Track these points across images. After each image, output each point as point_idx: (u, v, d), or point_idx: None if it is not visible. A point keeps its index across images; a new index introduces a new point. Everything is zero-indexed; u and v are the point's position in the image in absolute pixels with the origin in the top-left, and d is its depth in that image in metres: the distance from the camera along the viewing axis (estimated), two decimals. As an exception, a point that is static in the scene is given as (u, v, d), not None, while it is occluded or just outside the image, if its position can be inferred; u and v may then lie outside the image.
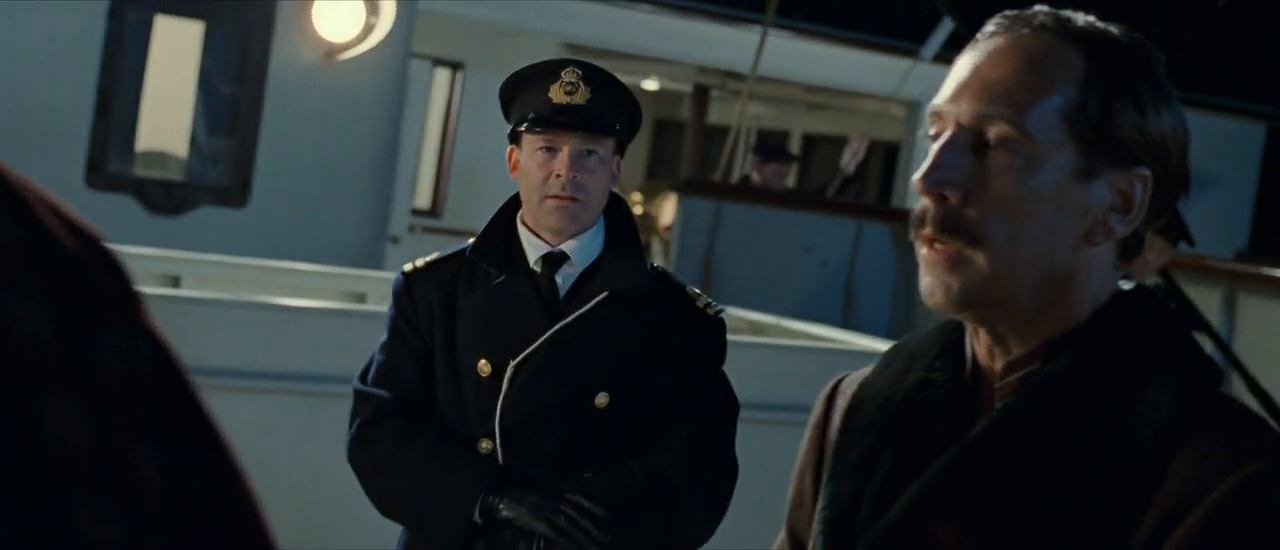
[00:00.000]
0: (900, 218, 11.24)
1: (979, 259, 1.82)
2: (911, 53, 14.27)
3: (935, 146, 1.85)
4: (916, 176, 1.85)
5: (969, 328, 1.94)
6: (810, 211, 11.41)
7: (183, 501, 1.13)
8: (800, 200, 12.74)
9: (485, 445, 3.71)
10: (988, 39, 1.89)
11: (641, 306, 3.77)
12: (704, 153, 17.83)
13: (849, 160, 12.75)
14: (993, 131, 1.83)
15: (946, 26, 12.64)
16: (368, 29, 9.57)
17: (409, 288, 3.80)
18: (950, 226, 1.83)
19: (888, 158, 17.90)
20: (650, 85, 18.34)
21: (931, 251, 1.85)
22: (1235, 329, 8.75)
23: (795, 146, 19.35)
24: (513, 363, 3.69)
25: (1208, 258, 9.04)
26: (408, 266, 3.83)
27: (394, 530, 3.88)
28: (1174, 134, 1.89)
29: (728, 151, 12.09)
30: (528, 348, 3.69)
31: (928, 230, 1.84)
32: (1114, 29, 1.91)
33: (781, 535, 2.20)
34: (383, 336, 3.84)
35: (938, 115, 1.87)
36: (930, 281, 1.85)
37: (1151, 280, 6.72)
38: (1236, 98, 15.64)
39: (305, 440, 5.50)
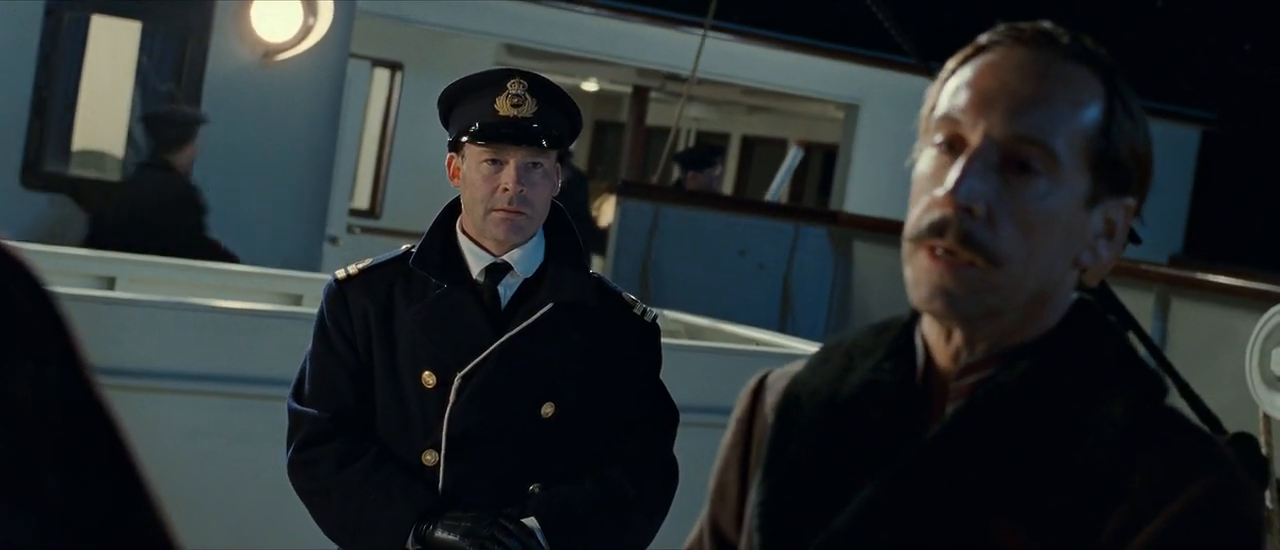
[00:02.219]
0: (838, 221, 11.27)
1: (992, 275, 1.83)
2: (851, 56, 14.30)
3: (963, 158, 1.83)
4: (944, 189, 1.83)
5: (934, 329, 1.94)
6: (748, 214, 11.41)
7: (83, 525, 1.15)
8: (738, 203, 12.75)
9: (430, 458, 3.69)
10: (1006, 51, 1.88)
11: (584, 315, 3.76)
12: (643, 155, 17.83)
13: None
14: (1025, 152, 1.83)
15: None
16: (306, 29, 9.54)
17: (343, 296, 3.76)
18: (971, 242, 1.82)
19: (826, 160, 17.94)
20: (590, 86, 18.32)
21: (934, 259, 1.84)
22: (1168, 333, 8.78)
23: (735, 149, 19.37)
24: (460, 374, 3.67)
25: (1141, 262, 9.06)
26: (340, 273, 3.79)
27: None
28: (1151, 153, 1.92)
29: (667, 154, 12.10)
30: (473, 359, 3.67)
31: (948, 241, 1.82)
32: (1103, 49, 1.93)
33: (698, 525, 2.20)
34: (310, 345, 3.80)
35: (952, 121, 1.86)
36: (932, 288, 1.84)
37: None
38: (1172, 102, 15.73)
39: (241, 442, 5.47)
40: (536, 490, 3.70)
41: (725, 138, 19.51)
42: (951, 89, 1.88)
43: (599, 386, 3.76)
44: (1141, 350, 7.50)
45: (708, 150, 13.27)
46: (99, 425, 1.21)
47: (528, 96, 3.70)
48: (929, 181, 1.86)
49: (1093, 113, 1.86)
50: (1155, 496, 1.77)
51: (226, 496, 5.42)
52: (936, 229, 1.82)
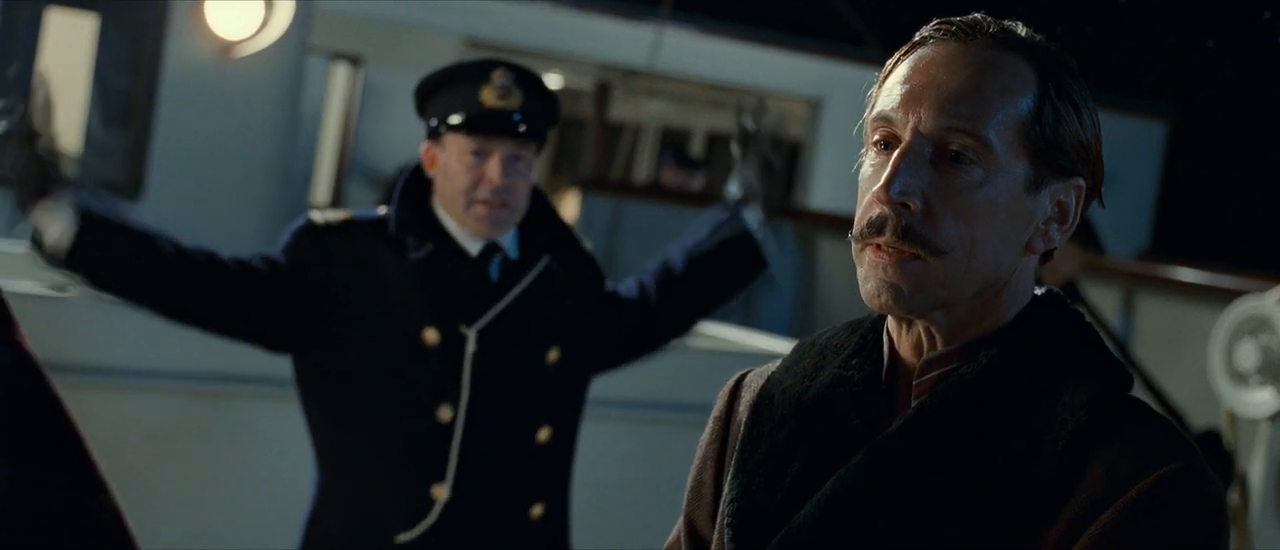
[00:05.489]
0: (802, 217, 11.24)
1: (936, 266, 1.86)
2: (815, 50, 14.28)
3: (894, 155, 1.87)
4: (878, 186, 1.87)
5: (894, 325, 1.97)
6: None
7: (36, 512, 1.10)
8: (702, 199, 12.71)
9: (445, 413, 3.63)
10: (937, 45, 1.92)
11: (569, 264, 3.81)
12: (606, 151, 17.81)
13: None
14: (955, 143, 1.86)
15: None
16: (264, 23, 9.46)
17: (323, 240, 3.67)
18: (912, 236, 1.85)
19: (790, 156, 17.93)
20: (552, 83, 18.30)
21: (878, 254, 1.87)
22: (1134, 329, 8.79)
23: (699, 144, 19.35)
24: (473, 329, 3.64)
25: (1107, 258, 9.07)
26: (319, 217, 3.71)
27: (294, 532, 3.81)
28: (1098, 140, 1.94)
29: (630, 149, 12.06)
30: (484, 313, 3.64)
31: (887, 237, 1.86)
32: (1043, 37, 1.95)
33: (678, 525, 2.20)
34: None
35: (887, 120, 1.90)
36: (877, 283, 1.88)
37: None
38: (1138, 96, 15.75)
39: (198, 439, 5.42)
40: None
41: (688, 134, 19.50)
42: (886, 89, 1.93)
43: (584, 332, 3.82)
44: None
45: (697, 159, 13.23)
46: (48, 414, 1.17)
47: (514, 88, 3.66)
48: (870, 182, 1.90)
49: (1025, 99, 1.89)
50: (1116, 484, 1.79)
51: (188, 494, 5.36)
52: (876, 227, 1.87)
